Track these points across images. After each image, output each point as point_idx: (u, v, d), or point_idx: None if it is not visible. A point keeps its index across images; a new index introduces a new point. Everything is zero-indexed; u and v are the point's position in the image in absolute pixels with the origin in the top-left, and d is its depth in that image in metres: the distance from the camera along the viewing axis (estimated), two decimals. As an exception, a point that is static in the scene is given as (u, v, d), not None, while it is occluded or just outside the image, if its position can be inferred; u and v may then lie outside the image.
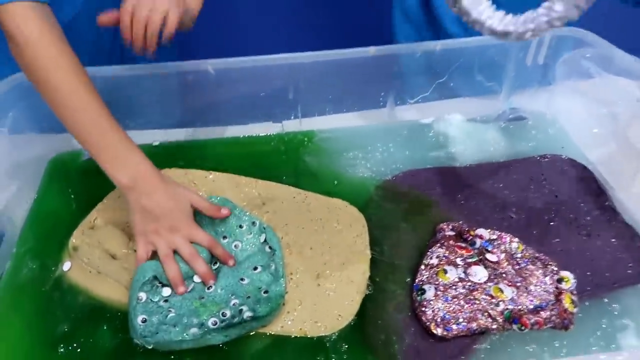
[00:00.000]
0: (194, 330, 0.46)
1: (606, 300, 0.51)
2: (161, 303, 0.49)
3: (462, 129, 0.70)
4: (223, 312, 0.47)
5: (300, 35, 1.08)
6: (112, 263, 0.53)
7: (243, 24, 1.11)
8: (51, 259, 0.54)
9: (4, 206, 0.58)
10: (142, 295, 0.48)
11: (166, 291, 0.49)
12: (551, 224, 0.58)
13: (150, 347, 0.46)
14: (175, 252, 0.51)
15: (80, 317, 0.50)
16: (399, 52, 0.66)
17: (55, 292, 0.52)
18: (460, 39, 0.68)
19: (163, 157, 0.64)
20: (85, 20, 0.65)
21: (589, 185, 0.62)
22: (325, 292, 0.51)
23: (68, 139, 0.65)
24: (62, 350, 0.47)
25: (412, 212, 0.59)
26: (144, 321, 0.47)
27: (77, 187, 0.63)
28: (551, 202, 0.60)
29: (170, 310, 0.48)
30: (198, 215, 0.54)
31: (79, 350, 0.47)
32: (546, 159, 0.65)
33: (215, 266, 0.52)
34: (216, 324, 0.47)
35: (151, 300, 0.48)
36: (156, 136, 0.69)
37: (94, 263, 0.53)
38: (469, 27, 0.50)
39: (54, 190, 0.63)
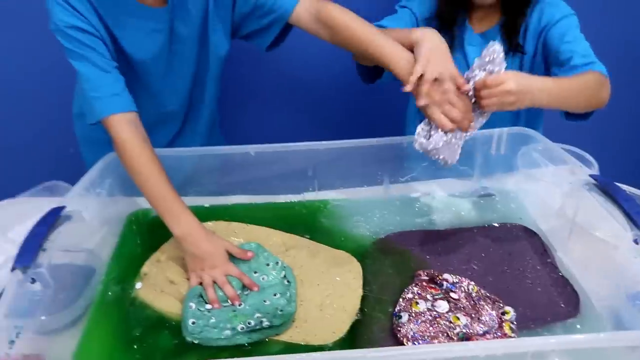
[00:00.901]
0: (227, 332, 0.65)
1: (539, 330, 0.67)
2: (205, 312, 0.67)
3: (443, 202, 0.89)
4: (249, 321, 0.66)
5: (320, 124, 1.34)
6: (171, 286, 0.73)
7: (276, 116, 1.38)
8: (128, 284, 0.74)
9: (95, 247, 0.80)
10: (192, 305, 0.68)
11: (208, 305, 0.69)
12: (503, 273, 0.75)
13: (196, 342, 0.65)
14: (215, 282, 0.71)
15: (149, 324, 0.68)
16: (392, 143, 0.88)
17: (131, 307, 0.71)
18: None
19: (212, 214, 0.86)
20: None
21: (536, 247, 0.79)
22: (325, 315, 0.69)
23: (143, 202, 0.88)
24: (135, 347, 0.65)
25: (398, 262, 0.78)
26: (193, 323, 0.66)
27: (147, 234, 0.85)
28: (505, 258, 0.77)
29: (211, 317, 0.67)
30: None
31: (147, 347, 0.66)
32: (506, 226, 0.84)
33: (247, 292, 0.71)
34: (243, 329, 0.65)
35: (198, 309, 0.68)
36: (208, 201, 0.91)
37: (158, 285, 0.73)
38: None
39: (131, 236, 0.84)
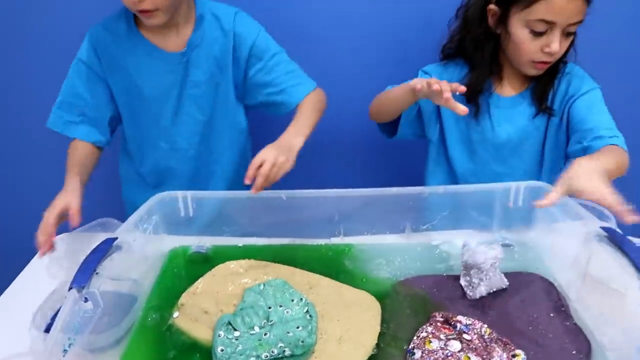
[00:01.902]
0: (253, 359, 0.70)
1: (550, 374, 0.69)
2: (233, 340, 0.73)
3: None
4: (272, 350, 0.71)
5: (348, 173, 1.43)
6: (205, 316, 0.80)
7: (308, 165, 1.47)
8: (167, 313, 0.82)
9: (139, 277, 0.88)
10: (221, 333, 0.74)
11: (237, 333, 0.75)
12: (517, 319, 0.78)
13: (225, 368, 0.71)
14: (244, 309, 0.77)
15: (183, 349, 0.75)
16: (414, 192, 0.94)
17: (168, 333, 0.78)
18: (458, 185, 0.95)
19: (245, 253, 0.93)
20: None
21: (551, 295, 0.82)
22: (343, 348, 0.74)
23: (184, 240, 0.96)
24: (170, 368, 0.72)
25: (415, 304, 0.82)
26: (222, 350, 0.72)
27: (185, 269, 0.93)
28: (519, 305, 0.80)
29: (238, 345, 0.72)
30: (266, 290, 0.81)
31: (179, 369, 0.72)
32: (522, 275, 0.87)
33: (271, 323, 0.77)
34: (267, 357, 0.71)
35: (227, 337, 0.74)
36: (242, 241, 0.99)
37: (193, 315, 0.80)
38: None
39: (171, 270, 0.93)
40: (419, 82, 0.93)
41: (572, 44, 1.02)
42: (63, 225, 1.01)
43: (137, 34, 1.02)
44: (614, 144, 0.93)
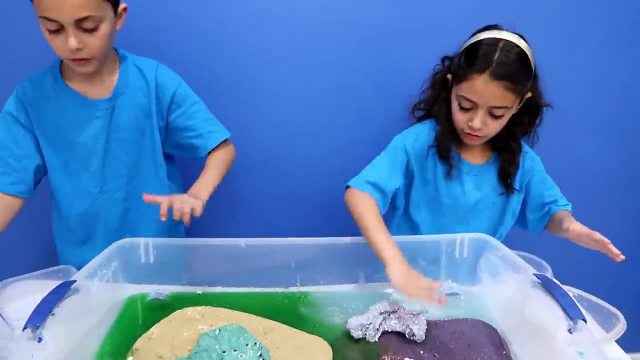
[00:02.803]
0: (206, 402, 0.71)
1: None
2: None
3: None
4: (228, 393, 0.73)
5: (307, 223, 1.49)
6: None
7: (258, 215, 1.53)
8: (121, 358, 0.82)
9: (96, 321, 0.88)
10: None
11: (193, 379, 0.76)
12: (461, 362, 0.82)
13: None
14: (198, 353, 0.78)
15: (134, 393, 0.75)
16: (365, 242, 1.00)
17: (120, 377, 0.78)
18: (407, 236, 1.01)
19: (203, 300, 0.95)
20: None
21: (494, 340, 0.87)
22: (296, 390, 0.76)
23: (142, 288, 0.98)
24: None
25: (365, 348, 0.85)
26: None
27: (142, 315, 0.94)
28: (465, 349, 0.85)
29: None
30: (221, 335, 0.83)
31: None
32: (467, 321, 0.92)
33: None
34: (221, 399, 0.72)
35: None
36: (201, 289, 1.01)
37: (147, 359, 0.81)
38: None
39: (128, 316, 0.93)
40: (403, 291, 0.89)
41: (524, 122, 1.12)
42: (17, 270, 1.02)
43: (64, 86, 1.08)
44: (568, 210, 1.16)
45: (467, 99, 1.04)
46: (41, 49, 1.05)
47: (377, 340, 0.87)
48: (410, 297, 0.86)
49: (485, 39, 1.05)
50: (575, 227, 1.01)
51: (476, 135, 1.08)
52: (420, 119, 1.21)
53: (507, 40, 1.03)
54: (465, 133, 1.09)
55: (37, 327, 0.68)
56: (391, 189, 1.10)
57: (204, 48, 1.34)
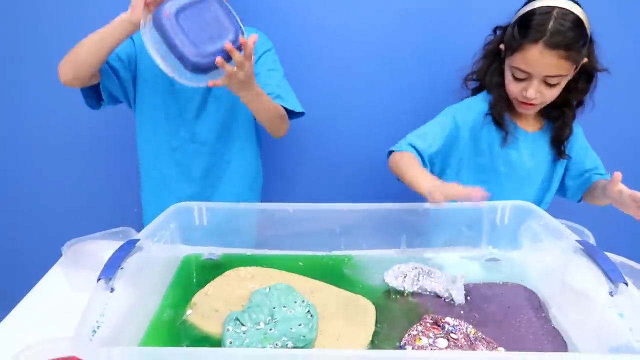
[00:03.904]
0: (260, 351, 0.78)
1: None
2: (241, 334, 0.81)
3: (454, 262, 1.02)
4: (276, 344, 0.79)
5: (351, 190, 1.54)
6: (215, 314, 0.87)
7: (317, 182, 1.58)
8: (181, 310, 0.89)
9: (158, 276, 0.96)
10: (230, 328, 0.81)
11: (244, 328, 0.82)
12: (501, 322, 0.85)
13: None
14: (251, 308, 0.85)
15: (195, 341, 0.82)
16: (409, 208, 1.03)
17: (182, 327, 0.85)
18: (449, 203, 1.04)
19: (253, 261, 1.02)
20: None
21: (533, 303, 0.89)
22: (340, 344, 0.81)
23: (195, 249, 1.05)
24: (182, 358, 0.79)
25: (407, 308, 0.89)
26: (231, 343, 0.79)
27: (197, 274, 1.01)
28: (504, 311, 0.88)
29: (246, 339, 0.80)
30: (271, 293, 0.89)
31: None
32: (508, 285, 0.94)
33: (275, 320, 0.85)
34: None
35: (235, 332, 0.81)
36: (251, 251, 1.07)
37: (205, 313, 0.88)
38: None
39: (185, 274, 1.01)
40: (434, 195, 0.90)
41: (578, 89, 1.12)
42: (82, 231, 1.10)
43: None
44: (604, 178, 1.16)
45: (521, 70, 1.05)
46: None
47: (415, 293, 0.92)
48: (447, 197, 0.88)
49: (538, 8, 1.05)
50: (620, 187, 1.00)
51: (531, 104, 1.09)
52: (474, 91, 1.22)
53: (561, 8, 1.02)
54: (520, 102, 1.10)
55: (110, 279, 0.75)
56: (431, 153, 1.12)
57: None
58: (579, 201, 1.24)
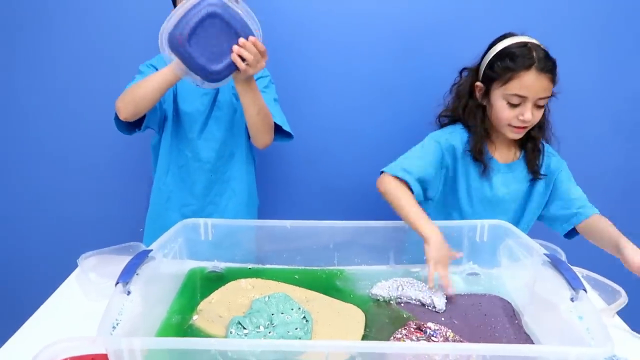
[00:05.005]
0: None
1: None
2: (243, 336, 0.89)
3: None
4: (276, 343, 0.87)
5: (344, 209, 1.65)
6: (219, 319, 0.96)
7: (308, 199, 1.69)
8: (187, 315, 0.98)
9: (166, 285, 1.05)
10: (233, 331, 0.90)
11: (245, 331, 0.91)
12: (477, 328, 0.94)
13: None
14: (252, 313, 0.94)
15: (199, 343, 0.91)
16: (397, 226, 1.13)
17: (189, 329, 0.94)
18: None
19: (253, 275, 1.11)
20: None
21: (507, 311, 0.98)
22: (334, 345, 0.90)
23: (197, 262, 1.14)
24: (188, 357, 0.88)
25: (393, 316, 0.98)
26: (234, 343, 0.88)
27: (201, 284, 1.10)
28: (481, 317, 0.97)
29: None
30: (270, 301, 0.98)
31: (197, 358, 0.87)
32: (485, 296, 1.04)
33: (274, 325, 0.93)
34: (271, 349, 0.87)
35: (237, 334, 0.90)
36: (251, 265, 1.16)
37: (210, 318, 0.96)
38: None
39: (190, 284, 1.10)
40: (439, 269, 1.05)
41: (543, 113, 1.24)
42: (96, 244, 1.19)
43: None
44: (597, 213, 1.22)
45: (518, 95, 1.16)
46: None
47: (400, 304, 1.01)
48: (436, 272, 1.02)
49: (513, 44, 1.18)
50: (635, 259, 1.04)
51: (524, 127, 1.20)
52: (443, 126, 1.33)
53: (531, 42, 1.17)
54: (513, 127, 1.20)
55: (127, 283, 0.84)
56: (423, 177, 1.21)
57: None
58: (570, 237, 1.29)
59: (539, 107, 1.18)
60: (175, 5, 1.26)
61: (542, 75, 1.14)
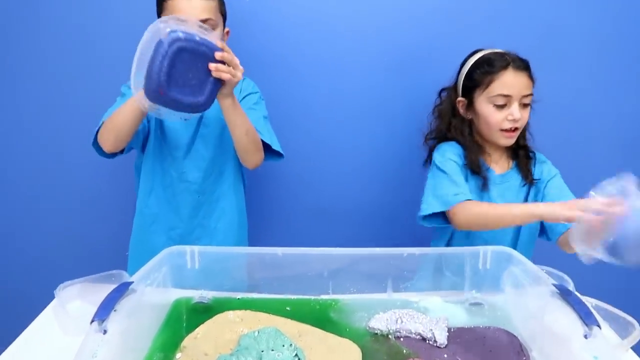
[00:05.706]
0: (247, 394, 0.79)
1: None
2: (231, 377, 0.83)
3: (438, 306, 1.05)
4: (266, 385, 0.80)
5: (338, 234, 1.57)
6: (205, 357, 0.89)
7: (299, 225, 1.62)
8: (170, 353, 0.91)
9: (148, 319, 0.98)
10: (220, 371, 0.83)
11: (234, 371, 0.84)
12: (483, 366, 0.88)
13: (221, 399, 0.79)
14: (239, 351, 0.87)
15: (183, 384, 0.84)
16: (394, 253, 1.06)
17: (170, 370, 0.87)
18: (432, 248, 1.08)
19: (242, 305, 1.04)
20: None
21: (514, 346, 0.92)
22: (328, 386, 0.83)
23: (186, 292, 1.07)
24: (169, 400, 0.81)
25: (392, 352, 0.92)
26: (220, 384, 0.81)
27: (187, 316, 1.03)
28: (486, 354, 0.90)
29: (236, 380, 0.82)
30: (260, 336, 0.91)
31: (179, 402, 0.80)
32: (490, 329, 0.97)
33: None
34: (260, 392, 0.80)
35: (225, 375, 0.83)
36: (240, 294, 1.09)
37: (194, 356, 0.89)
38: None
39: (175, 317, 1.02)
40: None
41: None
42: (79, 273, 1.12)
43: None
44: None
45: (502, 95, 1.20)
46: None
47: (400, 339, 0.94)
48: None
49: (486, 53, 1.25)
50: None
51: (514, 130, 1.22)
52: (432, 148, 1.34)
53: (503, 51, 1.25)
54: (503, 131, 1.22)
55: (103, 321, 0.77)
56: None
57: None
58: (554, 241, 1.28)
59: (524, 106, 1.22)
60: (159, 15, 1.21)
61: (519, 72, 1.20)
